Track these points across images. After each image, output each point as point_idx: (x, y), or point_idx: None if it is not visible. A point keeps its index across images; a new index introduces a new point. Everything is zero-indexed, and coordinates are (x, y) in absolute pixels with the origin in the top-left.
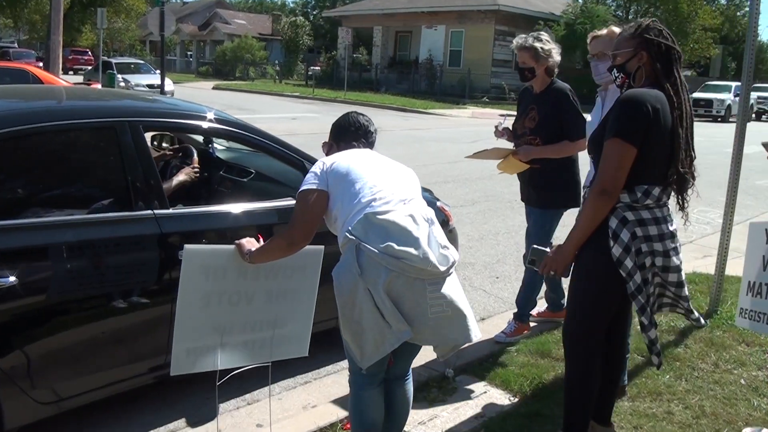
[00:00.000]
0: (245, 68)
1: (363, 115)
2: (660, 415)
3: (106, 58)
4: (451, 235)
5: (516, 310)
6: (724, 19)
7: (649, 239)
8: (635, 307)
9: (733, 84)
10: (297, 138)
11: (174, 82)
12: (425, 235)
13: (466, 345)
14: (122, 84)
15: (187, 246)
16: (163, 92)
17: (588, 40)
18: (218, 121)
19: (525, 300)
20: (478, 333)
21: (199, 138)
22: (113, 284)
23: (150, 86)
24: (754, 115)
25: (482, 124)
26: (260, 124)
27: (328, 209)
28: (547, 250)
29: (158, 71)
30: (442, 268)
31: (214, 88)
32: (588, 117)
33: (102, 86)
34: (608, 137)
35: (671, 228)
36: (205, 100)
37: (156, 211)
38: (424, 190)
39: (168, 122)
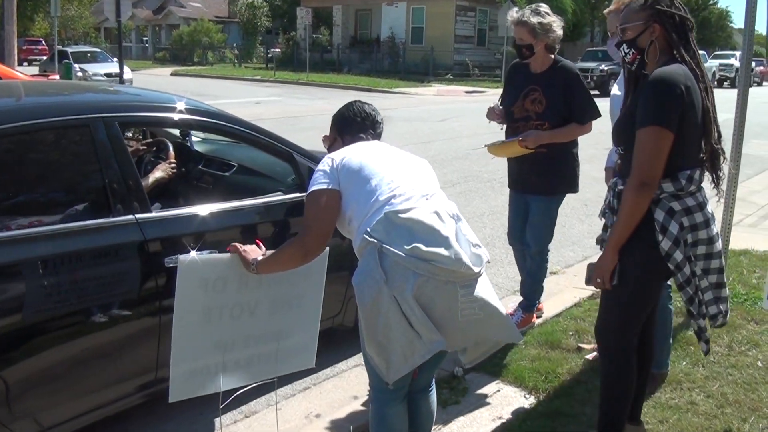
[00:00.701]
0: (203, 52)
1: (368, 104)
2: (684, 406)
3: (61, 47)
4: None
5: (522, 299)
6: None
7: (695, 228)
8: (683, 297)
9: (737, 52)
10: (263, 123)
11: (132, 70)
12: (453, 233)
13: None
14: (79, 74)
15: (182, 258)
16: (122, 81)
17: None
18: (193, 111)
19: (531, 289)
20: (518, 333)
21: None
22: (94, 299)
23: (108, 75)
24: (716, 83)
25: (448, 101)
26: (224, 110)
27: (341, 210)
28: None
29: (115, 59)
30: (476, 269)
31: (172, 74)
32: (614, 90)
33: (59, 77)
34: (642, 125)
35: (711, 211)
36: (164, 87)
37: (138, 216)
38: None
39: (144, 116)
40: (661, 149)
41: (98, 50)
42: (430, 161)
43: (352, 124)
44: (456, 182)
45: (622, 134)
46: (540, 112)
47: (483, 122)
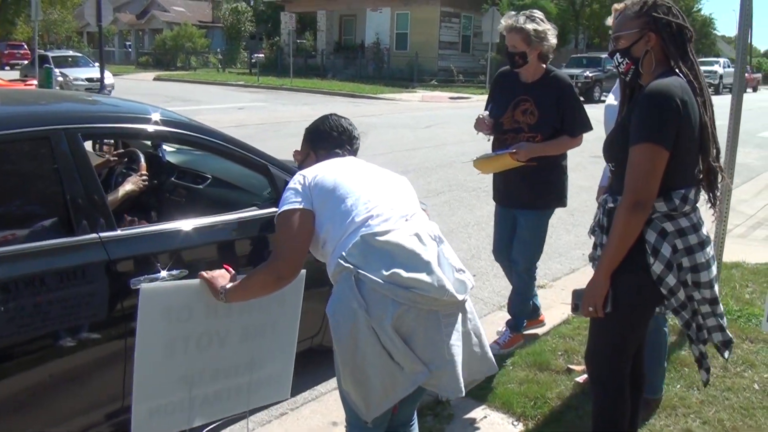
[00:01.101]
0: (187, 57)
1: (344, 117)
2: None
3: (42, 52)
4: None
5: (509, 317)
6: None
7: (690, 251)
8: (679, 322)
9: (722, 59)
10: (246, 129)
11: (114, 75)
12: (435, 257)
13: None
14: (60, 79)
15: (143, 287)
16: (102, 86)
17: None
18: (166, 122)
19: (519, 307)
20: (495, 366)
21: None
22: (55, 324)
23: (89, 80)
24: None
25: (433, 108)
26: (206, 116)
27: (315, 232)
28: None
29: (97, 64)
30: (460, 297)
31: (155, 79)
32: (610, 100)
33: (39, 82)
34: (636, 142)
35: (706, 232)
36: (146, 92)
37: (102, 234)
38: None
39: (111, 128)
40: (656, 168)
41: (80, 55)
42: (414, 169)
43: (327, 139)
44: (441, 191)
45: (614, 150)
46: (532, 123)
47: (468, 129)
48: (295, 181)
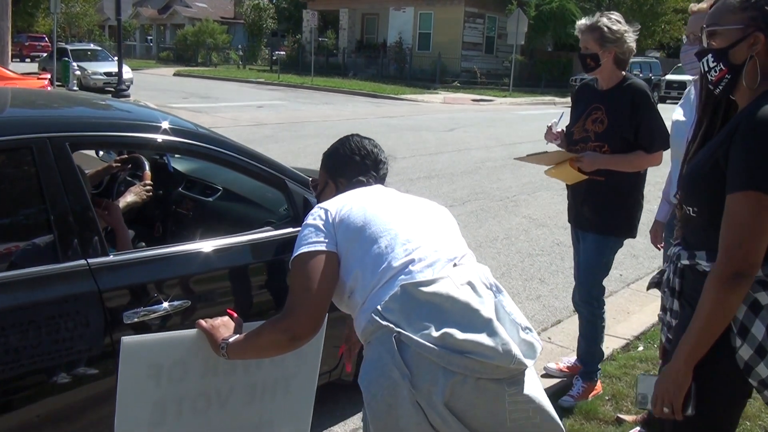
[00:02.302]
0: (207, 53)
1: (368, 138)
2: None
3: (62, 45)
4: None
5: (582, 366)
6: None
7: None
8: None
9: None
10: (264, 129)
11: (133, 69)
12: (494, 312)
13: None
14: (78, 72)
15: (126, 340)
16: (120, 80)
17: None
18: (174, 132)
19: (589, 353)
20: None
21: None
22: (34, 365)
23: (108, 74)
24: None
25: (456, 110)
26: (224, 114)
27: (340, 279)
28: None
29: (116, 58)
30: (529, 362)
31: (175, 75)
32: (677, 115)
33: (56, 75)
34: (737, 188)
35: None
36: (165, 87)
37: (91, 261)
38: None
39: (106, 137)
40: (764, 224)
41: (99, 48)
42: (438, 175)
43: (349, 164)
44: (466, 200)
45: (698, 190)
46: (600, 132)
47: (493, 134)
48: (315, 216)
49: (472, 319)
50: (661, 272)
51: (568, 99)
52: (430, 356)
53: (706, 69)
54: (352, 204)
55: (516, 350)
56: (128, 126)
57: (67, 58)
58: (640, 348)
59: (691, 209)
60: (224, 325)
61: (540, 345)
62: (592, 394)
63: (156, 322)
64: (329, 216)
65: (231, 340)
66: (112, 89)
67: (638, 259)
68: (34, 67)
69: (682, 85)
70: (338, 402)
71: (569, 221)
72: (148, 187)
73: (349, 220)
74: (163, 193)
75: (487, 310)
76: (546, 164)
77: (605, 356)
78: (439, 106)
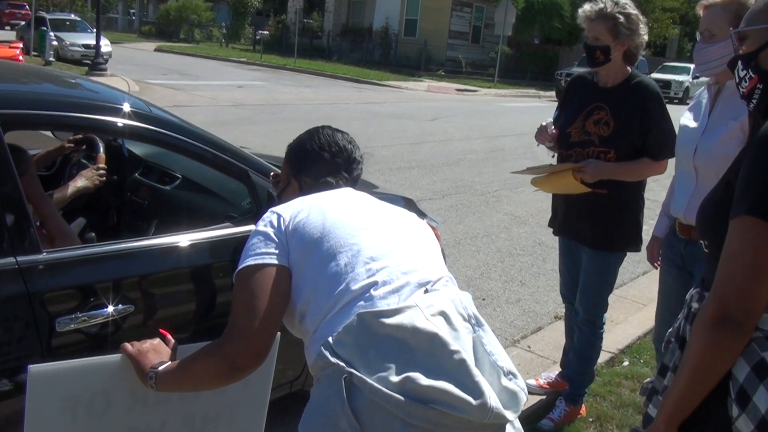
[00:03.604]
0: (190, 29)
1: (342, 132)
2: None
3: (44, 13)
4: None
5: (567, 386)
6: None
7: None
8: None
9: (692, 66)
10: (243, 110)
11: (113, 43)
12: (470, 350)
13: None
14: (54, 43)
15: (34, 369)
16: (98, 53)
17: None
18: (129, 116)
19: (577, 372)
20: None
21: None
22: None
23: (86, 46)
24: None
25: (439, 99)
26: (203, 92)
27: (291, 299)
28: None
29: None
30: (510, 416)
31: (156, 50)
32: (686, 119)
33: (33, 44)
34: (735, 213)
35: None
36: (144, 62)
37: (20, 258)
38: (404, 199)
39: (47, 116)
40: (764, 259)
41: (78, 19)
42: (419, 166)
43: (317, 161)
44: (447, 193)
45: (714, 220)
46: (605, 136)
47: (476, 125)
48: (266, 222)
49: (441, 360)
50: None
51: (553, 93)
52: (386, 405)
53: (737, 81)
54: (309, 210)
55: (494, 401)
56: (84, 105)
57: (44, 28)
58: (626, 363)
59: (704, 243)
60: (154, 350)
61: (525, 395)
62: (575, 418)
63: (95, 330)
64: (282, 223)
65: (161, 368)
66: (90, 62)
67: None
68: (12, 35)
69: (667, 84)
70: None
71: (556, 232)
72: (101, 172)
73: (304, 230)
74: (117, 178)
75: (461, 349)
76: (555, 191)
77: None
78: (422, 95)
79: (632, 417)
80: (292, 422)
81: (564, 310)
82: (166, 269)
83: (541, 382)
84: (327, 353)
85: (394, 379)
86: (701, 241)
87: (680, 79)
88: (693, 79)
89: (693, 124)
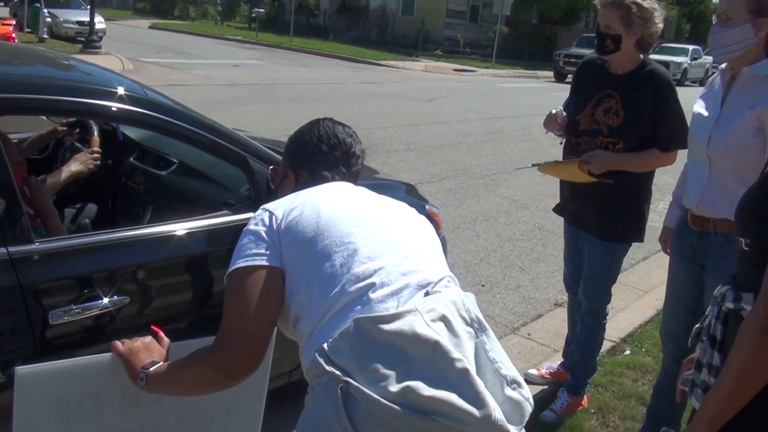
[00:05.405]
0: (185, 6)
1: (342, 125)
2: None
3: None
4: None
5: (569, 377)
6: None
7: None
8: None
9: (690, 47)
10: (238, 89)
11: (108, 20)
12: (472, 357)
13: None
14: (48, 20)
15: (21, 371)
16: (92, 31)
17: None
18: (131, 100)
19: (579, 363)
20: None
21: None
22: None
23: (80, 23)
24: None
25: (437, 79)
26: (198, 71)
27: (285, 302)
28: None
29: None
30: (514, 429)
31: (150, 27)
32: (698, 107)
33: (26, 21)
34: None
35: None
36: (139, 40)
37: (12, 249)
38: (406, 185)
39: (35, 99)
40: None
41: None
42: (416, 148)
43: (315, 154)
44: (445, 176)
45: (751, 217)
46: (615, 126)
47: (474, 106)
48: (258, 220)
49: (442, 370)
50: (703, 320)
51: (551, 74)
52: (385, 417)
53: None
54: (303, 207)
55: (497, 414)
56: (76, 89)
57: (38, 4)
58: (627, 352)
59: (744, 241)
60: (145, 349)
61: (531, 405)
62: (576, 409)
63: (90, 322)
64: (274, 221)
65: (152, 369)
66: (83, 40)
67: None
68: (5, 12)
69: (665, 65)
70: (298, 403)
71: (563, 216)
72: (96, 155)
73: (297, 229)
74: (112, 162)
75: (463, 358)
76: (562, 177)
77: None
78: (420, 74)
79: (635, 408)
80: (291, 412)
81: (566, 298)
82: (162, 259)
83: (543, 372)
84: (322, 360)
85: (394, 389)
86: (740, 239)
87: (678, 60)
88: (692, 60)
89: (706, 113)
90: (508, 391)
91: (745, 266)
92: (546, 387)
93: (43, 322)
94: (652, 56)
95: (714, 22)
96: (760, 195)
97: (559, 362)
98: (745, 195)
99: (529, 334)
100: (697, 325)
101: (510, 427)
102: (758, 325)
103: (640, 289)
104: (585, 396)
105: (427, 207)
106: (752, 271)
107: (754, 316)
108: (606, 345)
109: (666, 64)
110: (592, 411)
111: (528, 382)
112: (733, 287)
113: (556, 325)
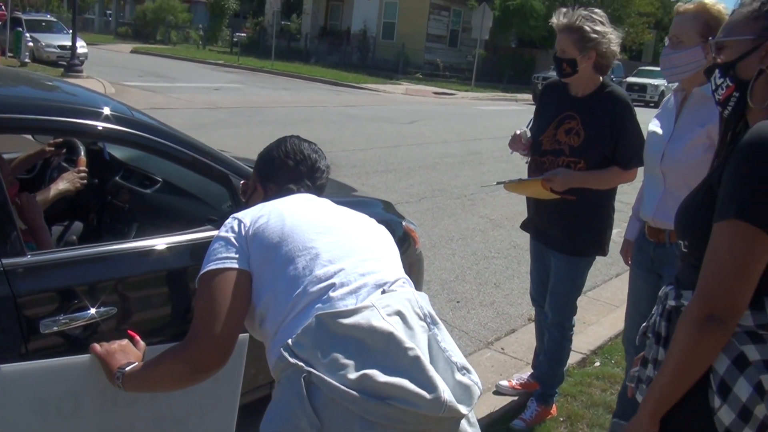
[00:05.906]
0: (167, 31)
1: (309, 141)
2: None
3: (20, 14)
4: (416, 260)
5: (538, 387)
6: (660, 4)
7: None
8: None
9: None
10: (219, 112)
11: (90, 44)
12: (425, 348)
13: None
14: (30, 44)
15: (4, 369)
16: (74, 55)
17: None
18: (117, 119)
19: (550, 375)
20: None
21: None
22: None
23: (62, 47)
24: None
25: (417, 102)
26: (180, 94)
27: (251, 304)
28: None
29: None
30: (464, 410)
31: (132, 52)
32: (653, 126)
33: (8, 45)
34: (721, 217)
35: None
36: (121, 64)
37: (5, 261)
38: (383, 203)
39: (30, 120)
40: (751, 262)
41: (54, 20)
42: (395, 169)
43: (281, 169)
44: (423, 196)
45: (689, 221)
46: (575, 146)
47: (453, 128)
48: (228, 228)
49: (396, 358)
50: (650, 319)
51: (530, 96)
52: (345, 403)
53: (713, 88)
54: (269, 215)
55: (447, 396)
56: (62, 109)
57: (20, 28)
58: (597, 363)
59: (683, 243)
60: (122, 351)
61: (479, 389)
62: (547, 418)
63: (79, 331)
64: (242, 228)
65: (128, 369)
66: (65, 64)
67: (595, 266)
68: None
69: (643, 87)
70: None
71: (529, 232)
72: (83, 174)
73: (263, 235)
74: (98, 181)
75: (415, 347)
76: (526, 194)
77: None
78: (400, 97)
79: (602, 416)
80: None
81: None
82: (148, 272)
83: (513, 383)
84: (287, 354)
85: (352, 376)
86: (679, 242)
87: (656, 83)
88: (669, 83)
89: (660, 131)
90: (458, 376)
91: (685, 267)
92: (516, 398)
93: (34, 331)
94: (630, 79)
95: (666, 44)
96: (699, 199)
97: (529, 373)
98: (685, 200)
99: (502, 348)
100: (644, 324)
101: (460, 407)
102: (692, 320)
103: (612, 304)
104: (554, 405)
105: (404, 223)
106: (692, 271)
107: (690, 310)
108: (576, 357)
109: (644, 86)
110: (561, 419)
111: (499, 393)
112: (675, 286)
113: (529, 339)
